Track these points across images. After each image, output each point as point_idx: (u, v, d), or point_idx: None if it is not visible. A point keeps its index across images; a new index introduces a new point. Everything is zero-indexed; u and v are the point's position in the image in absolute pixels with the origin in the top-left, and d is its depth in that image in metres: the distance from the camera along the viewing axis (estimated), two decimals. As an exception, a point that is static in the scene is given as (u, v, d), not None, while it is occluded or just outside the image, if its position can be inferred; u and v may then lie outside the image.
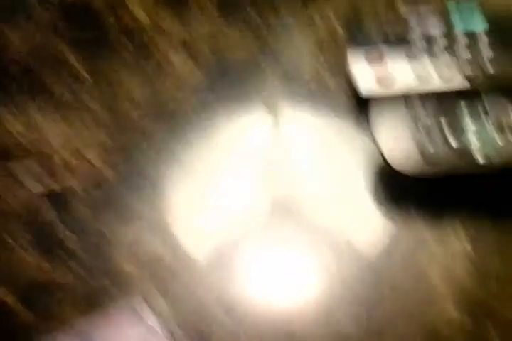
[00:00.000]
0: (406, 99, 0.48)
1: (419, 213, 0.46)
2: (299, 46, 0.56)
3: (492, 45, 0.50)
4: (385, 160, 0.45)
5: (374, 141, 0.46)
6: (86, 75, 0.55)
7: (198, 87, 0.54)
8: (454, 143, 0.45)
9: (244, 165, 0.49)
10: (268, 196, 0.48)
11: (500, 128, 0.46)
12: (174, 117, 0.52)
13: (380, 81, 0.49)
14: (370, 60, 0.50)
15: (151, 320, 0.40)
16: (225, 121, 0.52)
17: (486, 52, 0.50)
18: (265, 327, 0.41)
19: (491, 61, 0.49)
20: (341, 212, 0.47)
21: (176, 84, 0.54)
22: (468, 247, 0.44)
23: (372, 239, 0.45)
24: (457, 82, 0.49)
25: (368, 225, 0.46)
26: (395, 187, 0.47)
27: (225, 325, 0.41)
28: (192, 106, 0.53)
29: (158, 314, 0.41)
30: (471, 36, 0.51)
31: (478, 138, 0.45)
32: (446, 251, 0.44)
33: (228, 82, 0.54)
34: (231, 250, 0.45)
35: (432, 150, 0.45)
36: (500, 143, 0.45)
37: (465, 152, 0.45)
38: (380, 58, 0.50)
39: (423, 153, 0.45)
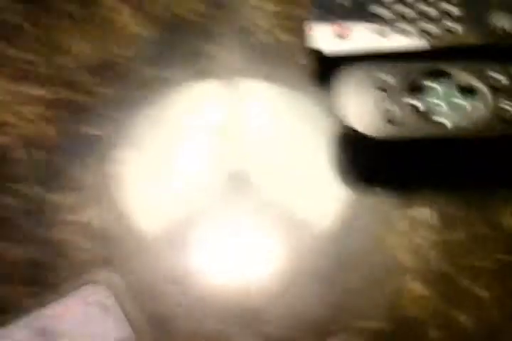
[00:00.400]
0: (368, 59, 0.46)
1: (381, 183, 0.44)
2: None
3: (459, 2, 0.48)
4: (347, 123, 0.43)
5: (335, 103, 0.43)
6: (27, 26, 0.52)
7: (146, 44, 0.51)
8: (420, 106, 0.43)
9: (197, 136, 0.47)
10: (223, 168, 0.45)
11: (468, 92, 0.44)
12: (122, 76, 0.49)
13: (338, 35, 0.47)
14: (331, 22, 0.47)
15: (105, 299, 0.38)
16: (175, 82, 0.49)
17: (453, 10, 0.48)
18: (221, 305, 0.39)
19: (457, 20, 0.47)
20: (299, 183, 0.44)
21: (123, 40, 0.51)
22: (433, 218, 0.42)
23: (332, 210, 0.43)
24: (421, 40, 0.47)
25: (327, 196, 0.44)
26: (355, 156, 0.45)
27: (180, 303, 0.39)
28: (140, 64, 0.50)
29: (112, 292, 0.39)
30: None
31: (445, 101, 0.43)
32: (410, 222, 0.42)
33: (179, 38, 0.51)
34: (185, 226, 0.42)
35: (397, 112, 0.42)
36: (468, 108, 0.43)
37: (431, 115, 0.43)
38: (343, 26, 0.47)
39: (388, 115, 0.42)
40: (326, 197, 0.44)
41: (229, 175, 0.45)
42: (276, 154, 0.46)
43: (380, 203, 0.43)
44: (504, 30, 0.46)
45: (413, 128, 0.42)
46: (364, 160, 0.45)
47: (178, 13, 0.52)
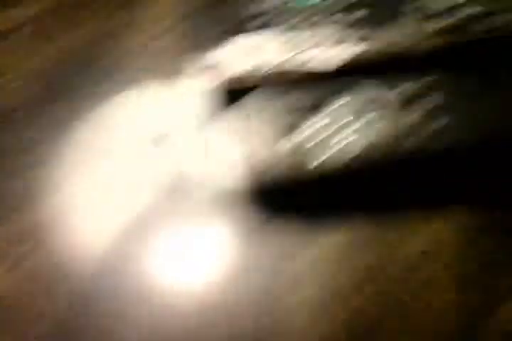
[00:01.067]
0: (277, 80, 0.46)
1: (291, 209, 0.43)
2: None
3: (365, 19, 0.48)
4: (251, 150, 0.43)
5: (239, 129, 0.43)
6: None
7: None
8: (329, 125, 0.43)
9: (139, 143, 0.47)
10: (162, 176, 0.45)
11: (379, 106, 0.44)
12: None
13: (248, 54, 0.47)
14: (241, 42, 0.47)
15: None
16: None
17: (358, 28, 0.48)
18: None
19: (361, 38, 0.47)
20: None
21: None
22: (344, 243, 0.42)
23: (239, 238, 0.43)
24: (320, 62, 0.47)
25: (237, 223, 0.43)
26: (265, 183, 0.44)
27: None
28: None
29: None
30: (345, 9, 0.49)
31: (356, 117, 0.43)
32: (320, 248, 0.42)
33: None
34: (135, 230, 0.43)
35: (304, 137, 0.42)
36: (378, 123, 0.43)
37: (341, 135, 0.43)
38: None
39: (294, 141, 0.42)
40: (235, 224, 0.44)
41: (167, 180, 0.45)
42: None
43: (290, 230, 0.43)
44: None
45: (322, 154, 0.42)
46: (273, 186, 0.44)
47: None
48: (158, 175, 0.45)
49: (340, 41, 0.46)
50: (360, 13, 0.47)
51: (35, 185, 0.45)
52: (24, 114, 0.48)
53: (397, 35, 0.46)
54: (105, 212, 0.44)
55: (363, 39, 0.46)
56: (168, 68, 0.50)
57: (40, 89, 0.49)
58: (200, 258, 0.42)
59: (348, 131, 0.43)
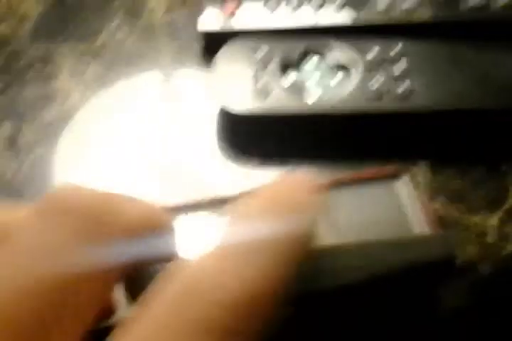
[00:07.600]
0: (253, 36, 0.46)
1: (265, 159, 0.44)
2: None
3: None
4: (220, 101, 0.43)
5: (212, 81, 0.44)
6: None
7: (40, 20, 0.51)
8: (292, 83, 0.44)
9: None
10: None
11: (333, 69, 0.45)
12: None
13: (226, 12, 0.47)
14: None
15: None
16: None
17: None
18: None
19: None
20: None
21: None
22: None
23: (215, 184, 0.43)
24: (308, 17, 0.47)
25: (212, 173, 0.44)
26: (234, 132, 0.45)
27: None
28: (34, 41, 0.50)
29: None
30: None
31: (319, 78, 0.44)
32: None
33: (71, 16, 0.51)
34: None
35: (269, 90, 0.43)
36: (332, 84, 0.44)
37: (297, 90, 0.43)
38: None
39: (260, 93, 0.43)
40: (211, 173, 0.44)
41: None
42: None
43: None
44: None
45: (283, 105, 0.43)
46: (242, 136, 0.45)
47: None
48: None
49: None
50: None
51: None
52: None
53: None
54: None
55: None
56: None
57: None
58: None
59: (309, 90, 0.44)
